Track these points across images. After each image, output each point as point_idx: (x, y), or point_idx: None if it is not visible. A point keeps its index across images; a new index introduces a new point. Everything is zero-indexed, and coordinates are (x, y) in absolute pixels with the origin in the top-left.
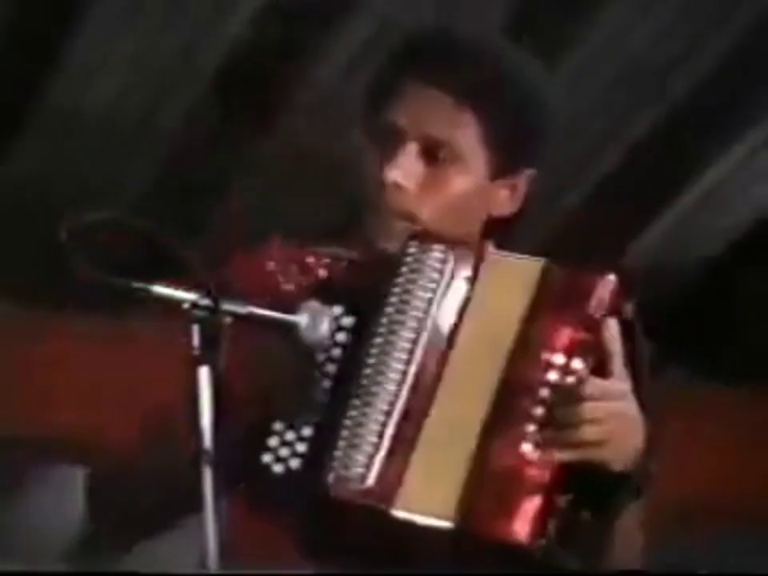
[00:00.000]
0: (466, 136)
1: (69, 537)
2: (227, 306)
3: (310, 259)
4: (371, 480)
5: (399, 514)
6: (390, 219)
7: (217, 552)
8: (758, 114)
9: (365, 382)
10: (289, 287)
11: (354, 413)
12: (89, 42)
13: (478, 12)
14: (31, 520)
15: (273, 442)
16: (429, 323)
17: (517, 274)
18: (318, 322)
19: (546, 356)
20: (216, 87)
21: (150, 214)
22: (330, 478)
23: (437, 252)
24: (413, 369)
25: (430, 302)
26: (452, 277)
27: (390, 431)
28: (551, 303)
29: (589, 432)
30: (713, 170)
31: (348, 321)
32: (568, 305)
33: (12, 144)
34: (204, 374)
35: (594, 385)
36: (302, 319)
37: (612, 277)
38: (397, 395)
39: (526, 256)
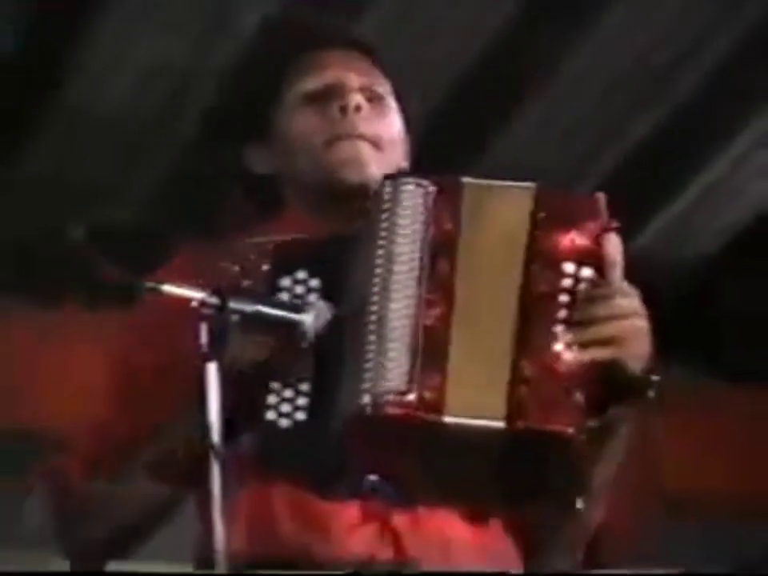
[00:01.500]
0: (382, 82)
1: None
2: (234, 305)
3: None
4: (414, 393)
5: (451, 420)
6: (357, 146)
7: (225, 543)
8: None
9: (374, 309)
10: (239, 272)
11: (371, 337)
12: (102, 45)
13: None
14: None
15: (272, 399)
16: (426, 244)
17: (511, 197)
18: (322, 319)
19: (558, 265)
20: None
21: (160, 214)
22: (366, 399)
23: (416, 185)
24: (423, 285)
25: (421, 229)
26: (435, 204)
27: (419, 343)
28: (553, 219)
29: (615, 327)
30: (708, 170)
31: (315, 282)
32: (570, 220)
33: (27, 144)
34: (212, 370)
35: (609, 286)
36: (307, 317)
37: (602, 194)
38: (414, 311)
39: (507, 182)
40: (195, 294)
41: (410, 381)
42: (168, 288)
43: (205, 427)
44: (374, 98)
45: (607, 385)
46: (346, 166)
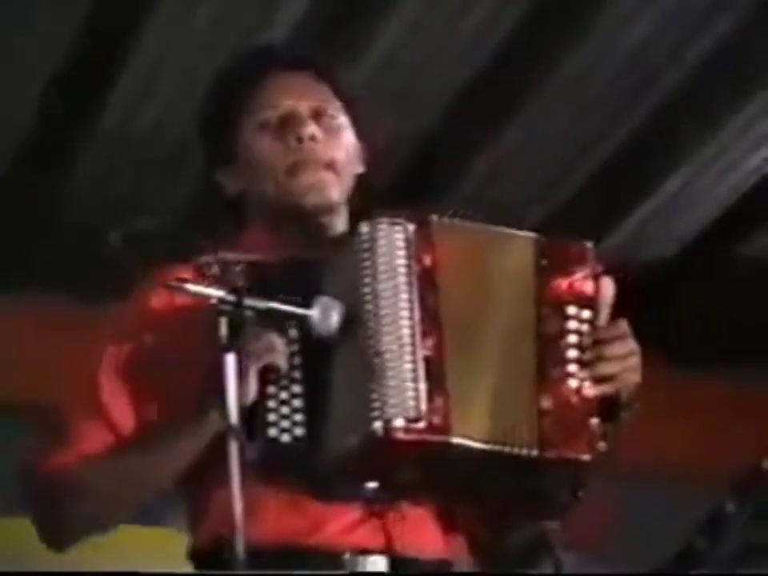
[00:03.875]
0: (332, 101)
1: None
2: (249, 302)
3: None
4: (424, 420)
5: (458, 441)
6: (316, 175)
7: (243, 517)
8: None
9: (369, 343)
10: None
11: (369, 368)
12: (131, 78)
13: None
14: None
15: (272, 417)
16: (409, 279)
17: (510, 243)
18: (328, 314)
19: (563, 308)
20: None
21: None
22: (378, 425)
23: (393, 224)
24: (415, 317)
25: (405, 264)
26: (415, 241)
27: (419, 372)
28: (553, 267)
29: (617, 366)
30: (685, 167)
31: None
32: (567, 266)
33: (68, 165)
34: (230, 359)
35: (613, 327)
36: (314, 312)
37: (590, 243)
38: (409, 341)
39: (468, 223)
40: (215, 293)
41: (418, 408)
42: (191, 287)
43: (224, 410)
44: (326, 122)
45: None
46: (309, 192)
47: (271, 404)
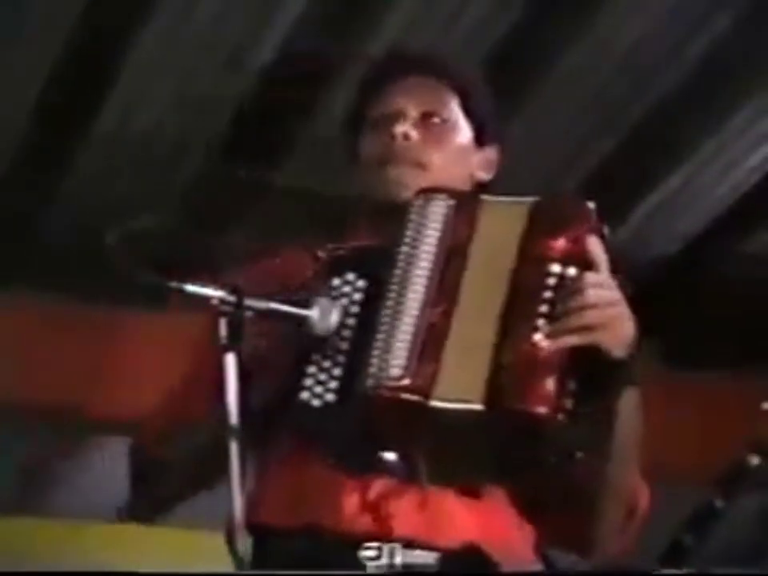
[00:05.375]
0: (450, 104)
1: (119, 498)
2: (249, 302)
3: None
4: (408, 378)
5: (436, 404)
6: (402, 170)
7: (243, 515)
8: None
9: (389, 304)
10: (301, 275)
11: (384, 328)
12: (130, 79)
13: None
14: (88, 482)
15: (308, 381)
16: (439, 253)
17: (511, 209)
18: (327, 314)
19: (544, 265)
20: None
21: (180, 226)
22: (370, 382)
23: (441, 200)
24: (433, 287)
25: (439, 237)
26: (455, 216)
27: (420, 337)
28: (543, 225)
29: (590, 315)
30: (684, 167)
31: (361, 283)
32: (559, 225)
33: (68, 165)
34: (230, 359)
35: (591, 276)
36: (313, 313)
37: (591, 203)
38: (421, 309)
39: (516, 198)
40: (215, 293)
41: (406, 369)
42: (191, 287)
43: (224, 410)
44: (431, 124)
45: (594, 372)
46: (389, 187)
47: (311, 369)
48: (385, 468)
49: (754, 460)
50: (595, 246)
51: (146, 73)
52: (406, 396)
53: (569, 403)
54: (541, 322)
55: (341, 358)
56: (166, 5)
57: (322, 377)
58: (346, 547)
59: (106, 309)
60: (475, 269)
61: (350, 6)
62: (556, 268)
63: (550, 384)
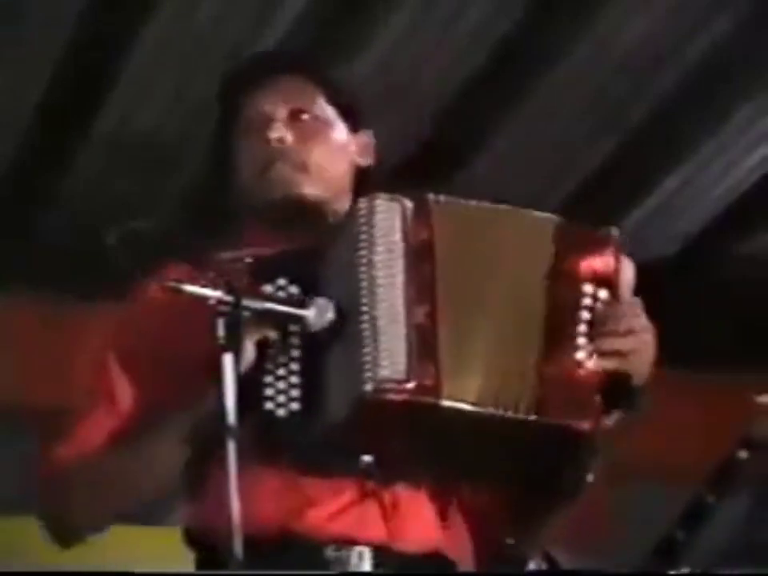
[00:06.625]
0: (317, 99)
1: None
2: (246, 303)
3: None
4: (414, 381)
5: (450, 404)
6: (284, 172)
7: (240, 512)
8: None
9: (364, 310)
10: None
11: (365, 334)
12: (129, 80)
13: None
14: None
15: (268, 391)
16: (405, 252)
17: (532, 222)
18: (323, 313)
19: (578, 284)
20: None
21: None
22: (368, 387)
23: (388, 200)
24: (409, 287)
25: (400, 234)
26: (413, 218)
27: (412, 338)
28: (573, 244)
29: (627, 342)
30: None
31: (293, 288)
32: (587, 249)
33: (67, 165)
34: (228, 359)
35: (628, 302)
36: (310, 312)
37: (615, 229)
38: (402, 309)
39: (474, 202)
40: (213, 293)
41: (409, 370)
42: (188, 287)
43: (222, 411)
44: (303, 124)
45: (609, 393)
46: (276, 186)
47: (268, 379)
48: (359, 472)
49: (743, 454)
50: (627, 271)
51: (146, 73)
52: (416, 397)
53: (606, 422)
54: (582, 341)
55: (294, 366)
56: (166, 5)
57: (281, 385)
58: (317, 552)
59: (105, 309)
60: (448, 269)
61: (350, 6)
62: (589, 288)
63: (594, 402)
